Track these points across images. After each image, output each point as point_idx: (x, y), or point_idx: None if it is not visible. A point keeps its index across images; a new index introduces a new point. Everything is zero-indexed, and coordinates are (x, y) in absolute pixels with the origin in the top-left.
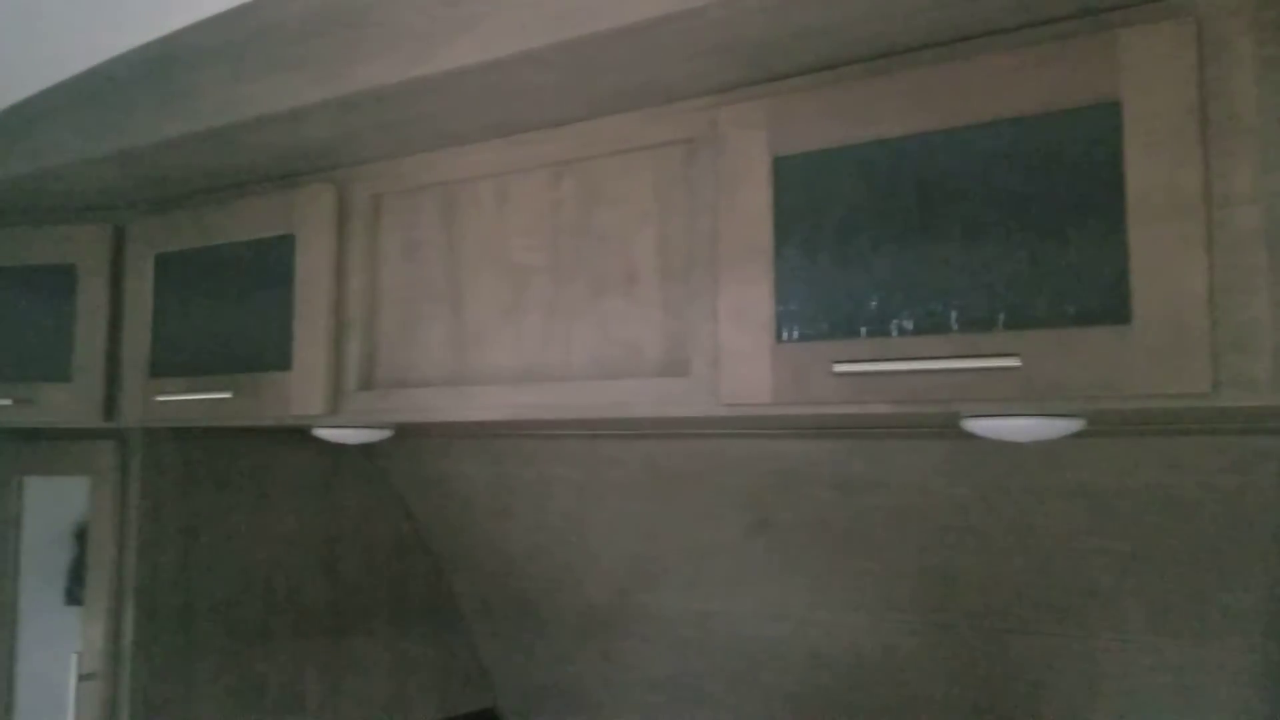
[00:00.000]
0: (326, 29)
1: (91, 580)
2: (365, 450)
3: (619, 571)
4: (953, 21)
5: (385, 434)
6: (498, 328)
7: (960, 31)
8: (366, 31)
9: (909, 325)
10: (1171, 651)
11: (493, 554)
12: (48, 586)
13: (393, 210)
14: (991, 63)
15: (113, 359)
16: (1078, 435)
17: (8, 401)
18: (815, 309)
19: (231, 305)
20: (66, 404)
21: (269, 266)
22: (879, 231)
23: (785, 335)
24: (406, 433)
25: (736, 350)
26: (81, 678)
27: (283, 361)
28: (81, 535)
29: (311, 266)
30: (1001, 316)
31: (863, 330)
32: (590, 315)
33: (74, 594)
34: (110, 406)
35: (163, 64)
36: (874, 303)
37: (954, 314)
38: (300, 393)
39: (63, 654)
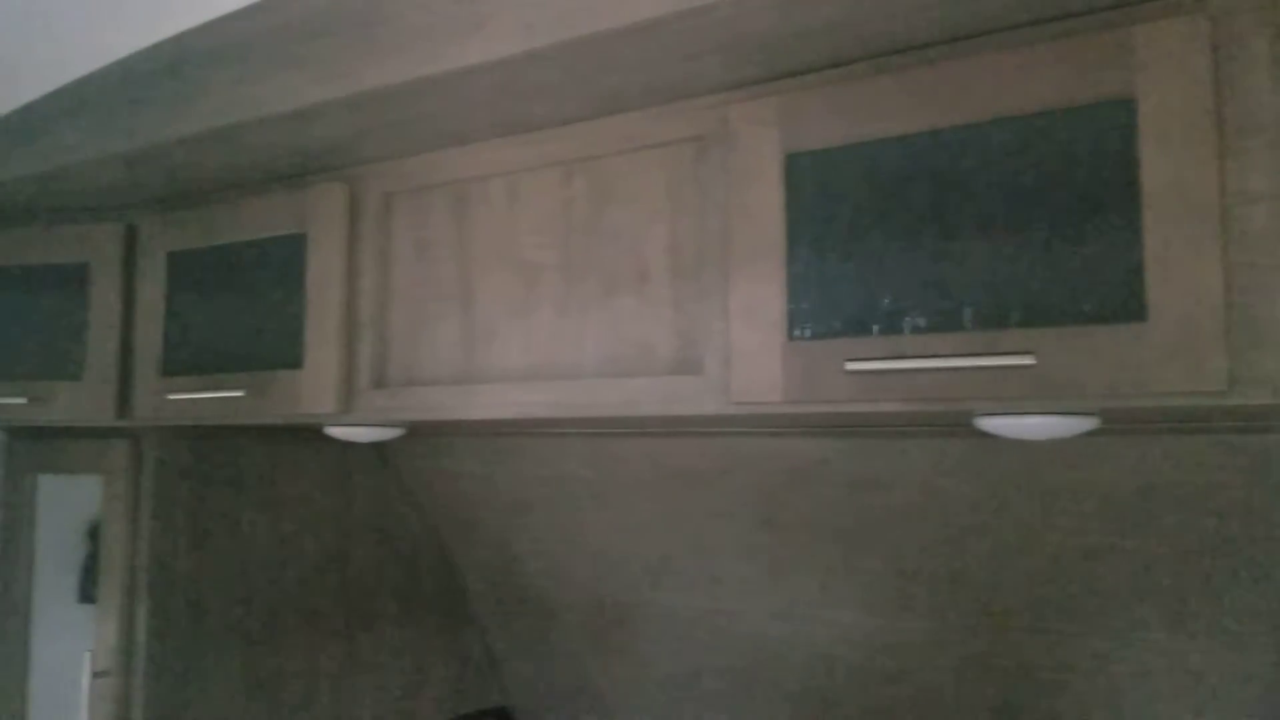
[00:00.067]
0: (334, 29)
1: (104, 578)
2: (377, 448)
3: (630, 569)
4: (963, 18)
5: (397, 432)
6: (509, 326)
7: (972, 28)
8: (374, 31)
9: (922, 323)
10: (1188, 651)
11: (504, 552)
12: (61, 584)
13: (404, 209)
14: (1004, 60)
15: (125, 358)
16: (1091, 434)
17: (21, 400)
18: (827, 307)
19: (243, 304)
20: (79, 402)
21: (281, 265)
22: (891, 229)
23: (797, 333)
24: (418, 431)
25: (748, 349)
26: (95, 675)
27: (294, 360)
28: (95, 533)
29: (323, 265)
30: (1015, 314)
31: (875, 328)
32: (601, 314)
33: (87, 591)
34: (123, 405)
35: (172, 65)
36: (886, 300)
37: (967, 312)
38: (312, 391)
39: (76, 651)
